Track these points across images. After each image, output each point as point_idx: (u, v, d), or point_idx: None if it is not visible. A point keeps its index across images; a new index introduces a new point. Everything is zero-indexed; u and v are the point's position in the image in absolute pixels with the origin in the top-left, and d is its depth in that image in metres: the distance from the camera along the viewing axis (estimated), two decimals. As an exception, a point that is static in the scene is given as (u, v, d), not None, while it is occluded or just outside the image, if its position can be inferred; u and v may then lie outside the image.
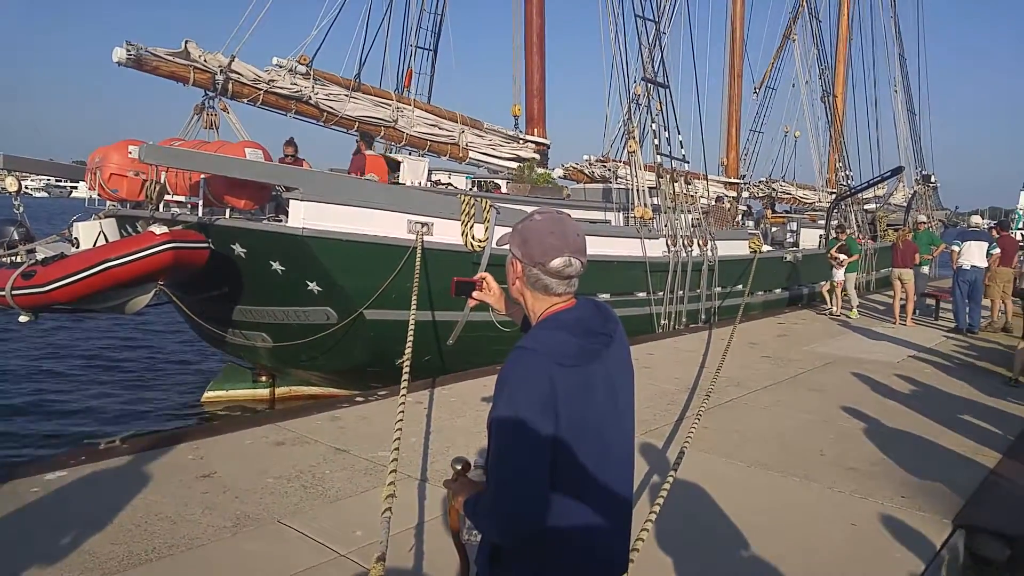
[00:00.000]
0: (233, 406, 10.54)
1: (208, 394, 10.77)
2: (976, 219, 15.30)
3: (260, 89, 10.11)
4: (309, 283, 8.83)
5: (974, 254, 12.58)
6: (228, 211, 8.60)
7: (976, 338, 12.00)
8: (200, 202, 8.62)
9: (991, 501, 5.03)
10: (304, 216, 8.49)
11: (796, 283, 17.36)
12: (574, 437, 1.71)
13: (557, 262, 1.85)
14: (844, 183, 23.36)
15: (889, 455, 5.91)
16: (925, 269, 15.43)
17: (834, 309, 14.80)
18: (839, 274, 14.79)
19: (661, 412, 7.02)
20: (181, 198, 9.08)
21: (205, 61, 9.48)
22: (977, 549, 4.51)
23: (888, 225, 24.65)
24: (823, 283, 15.91)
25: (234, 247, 8.55)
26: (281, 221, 8.66)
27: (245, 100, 10.11)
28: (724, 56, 21.13)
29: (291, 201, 8.51)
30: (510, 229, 1.99)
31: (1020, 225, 60.59)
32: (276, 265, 8.63)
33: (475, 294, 2.44)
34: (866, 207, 24.24)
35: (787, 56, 25.67)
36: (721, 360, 8.49)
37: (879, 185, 24.88)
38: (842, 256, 14.66)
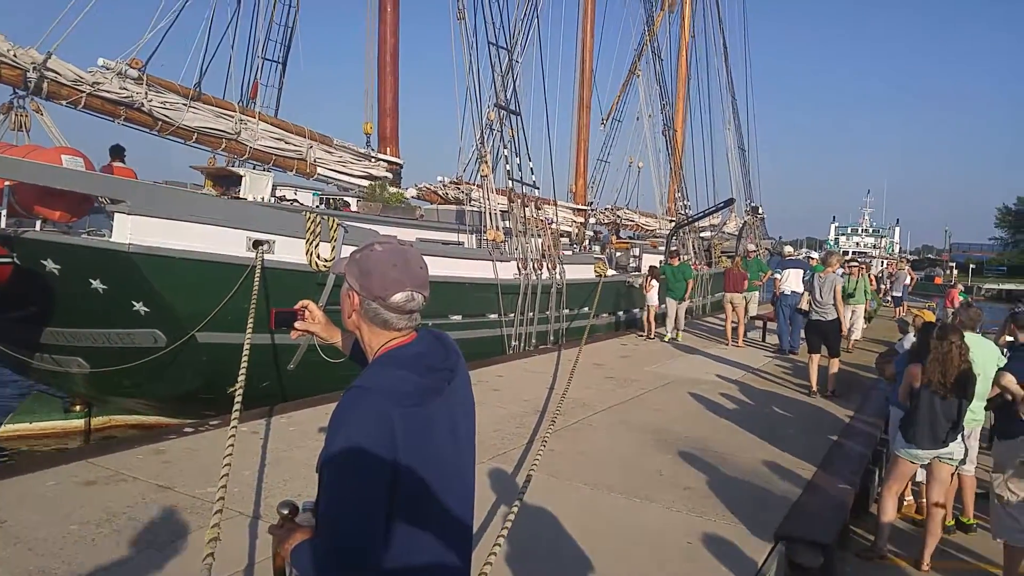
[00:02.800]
0: (38, 441, 9.44)
1: (6, 428, 9.54)
2: (788, 248, 16.83)
3: (82, 91, 9.20)
4: (135, 303, 8.12)
5: (793, 281, 13.73)
6: (39, 223, 7.75)
7: (797, 358, 12.91)
8: (3, 212, 7.71)
9: (807, 512, 5.41)
10: (131, 231, 7.82)
11: (639, 306, 18.14)
12: (413, 478, 1.63)
13: (399, 297, 1.75)
14: (683, 212, 24.85)
15: (721, 473, 6.21)
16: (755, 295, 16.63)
17: (647, 334, 14.86)
18: (651, 297, 15.08)
19: (510, 436, 7.00)
20: None
21: (15, 56, 8.53)
22: (795, 558, 4.80)
23: (723, 252, 26.46)
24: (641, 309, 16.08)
25: (45, 263, 7.69)
26: (103, 236, 7.92)
27: (64, 102, 9.17)
28: (574, 87, 21.88)
29: (116, 215, 7.81)
30: (347, 257, 1.85)
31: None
32: (96, 283, 7.86)
33: (297, 324, 2.23)
34: (702, 235, 25.89)
35: (632, 91, 27.05)
36: (568, 381, 8.63)
37: (713, 215, 26.68)
38: (653, 282, 15.08)
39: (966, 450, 5.55)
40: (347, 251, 9.28)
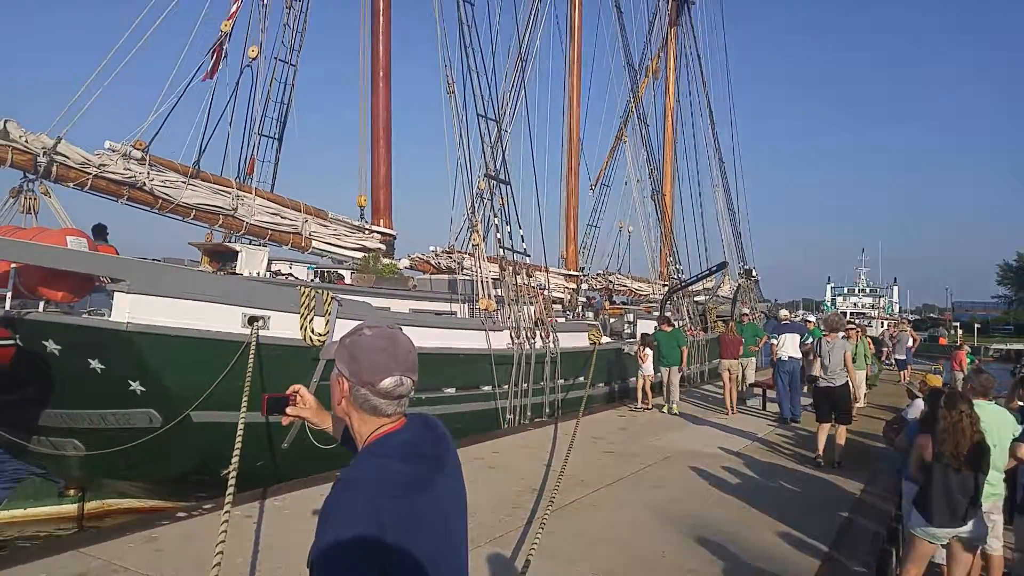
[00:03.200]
0: (32, 528, 9.26)
1: (1, 515, 9.41)
2: (783, 312, 16.78)
3: (89, 173, 9.43)
4: (132, 383, 8.11)
5: (789, 346, 13.66)
6: (42, 304, 7.81)
7: (800, 427, 12.74)
8: (8, 294, 7.77)
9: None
10: (130, 310, 7.88)
11: (635, 374, 18.10)
12: (404, 572, 1.61)
13: (388, 382, 1.76)
14: (675, 276, 25.02)
15: (727, 553, 6.12)
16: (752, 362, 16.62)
17: (642, 405, 14.33)
18: (646, 367, 14.54)
19: (507, 517, 6.93)
20: None
21: (27, 142, 8.76)
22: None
23: (718, 316, 26.52)
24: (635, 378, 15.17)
25: (47, 343, 7.73)
26: (103, 315, 7.97)
27: (71, 184, 9.38)
28: (562, 155, 22.33)
29: (115, 294, 7.88)
30: (337, 342, 1.88)
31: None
32: (95, 363, 7.88)
33: (288, 410, 2.25)
34: (696, 299, 25.98)
35: (620, 156, 27.55)
36: (566, 457, 8.59)
37: (707, 279, 26.86)
38: (647, 351, 14.54)
39: (987, 527, 5.32)
40: (341, 325, 9.44)
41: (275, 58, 14.37)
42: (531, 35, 21.81)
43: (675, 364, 14.29)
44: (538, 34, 22.06)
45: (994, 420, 5.41)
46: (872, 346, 17.06)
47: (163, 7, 10.37)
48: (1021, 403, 6.43)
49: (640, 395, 14.58)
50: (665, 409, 14.05)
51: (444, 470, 1.80)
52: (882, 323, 48.37)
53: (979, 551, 5.49)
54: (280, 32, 14.49)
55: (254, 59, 13.01)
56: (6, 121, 8.62)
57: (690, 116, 32.57)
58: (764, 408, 14.97)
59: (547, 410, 13.90)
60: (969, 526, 5.02)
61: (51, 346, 7.71)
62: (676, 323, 18.68)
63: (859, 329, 16.20)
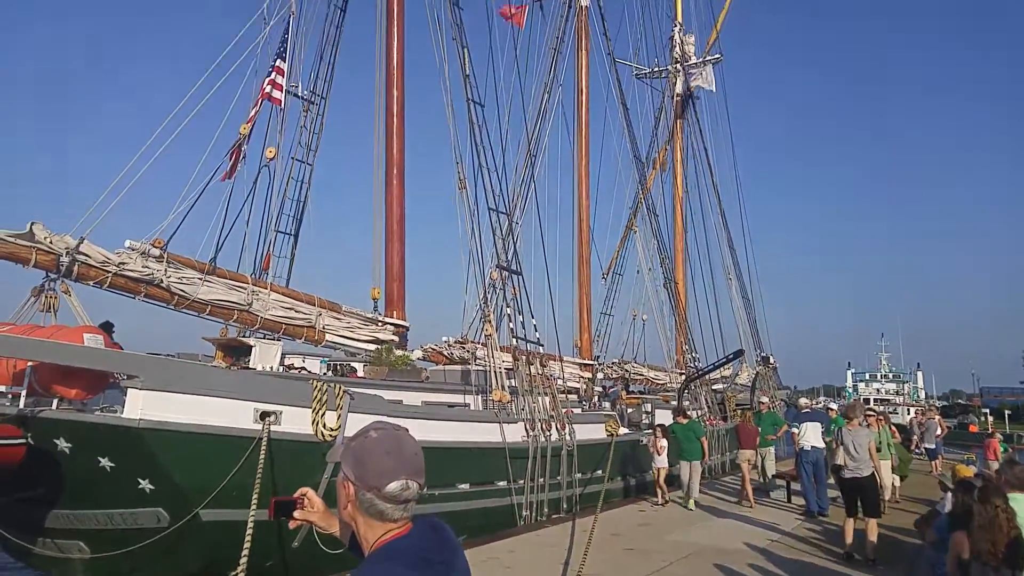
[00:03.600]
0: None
1: None
2: (804, 400, 16.44)
3: (108, 272, 9.66)
4: (141, 481, 8.02)
5: (811, 435, 13.30)
6: (56, 401, 7.84)
7: (828, 520, 12.14)
8: (24, 392, 7.82)
9: None
10: (142, 406, 7.88)
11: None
12: None
13: (394, 486, 1.74)
14: (692, 364, 24.77)
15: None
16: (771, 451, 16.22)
17: (660, 500, 13.78)
18: (660, 459, 13.98)
19: (523, 619, 6.65)
20: (2, 388, 8.20)
21: (51, 243, 9.01)
22: None
23: (737, 405, 26.09)
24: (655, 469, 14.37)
25: (58, 442, 7.70)
26: (115, 411, 7.97)
27: (91, 283, 9.61)
28: (573, 244, 22.60)
29: (129, 390, 7.90)
30: (343, 444, 1.86)
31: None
32: (104, 461, 7.82)
33: (296, 513, 2.21)
34: (714, 388, 25.63)
35: (630, 245, 27.82)
36: (584, 556, 8.30)
37: (724, 367, 26.58)
38: (662, 442, 14.06)
39: None
40: (353, 419, 9.35)
41: (292, 157, 14.90)
42: (540, 131, 22.51)
43: (695, 458, 13.84)
44: (547, 130, 22.76)
45: None
46: (897, 434, 16.45)
47: (186, 111, 10.87)
48: None
49: (658, 490, 14.06)
50: (685, 504, 13.56)
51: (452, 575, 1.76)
52: (908, 410, 47.17)
53: None
54: (297, 133, 15.08)
55: (271, 159, 13.45)
56: (32, 224, 8.91)
57: (699, 206, 33.08)
58: (789, 500, 14.45)
59: (564, 505, 13.51)
60: None
61: (62, 444, 7.68)
62: (694, 413, 18.39)
63: (881, 416, 15.66)
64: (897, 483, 14.35)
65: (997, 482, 5.70)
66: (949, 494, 8.15)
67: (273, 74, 13.11)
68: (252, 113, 12.38)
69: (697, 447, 13.89)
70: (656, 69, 32.26)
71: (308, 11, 14.55)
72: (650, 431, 17.90)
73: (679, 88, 32.80)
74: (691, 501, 13.46)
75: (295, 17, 13.74)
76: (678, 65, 32.38)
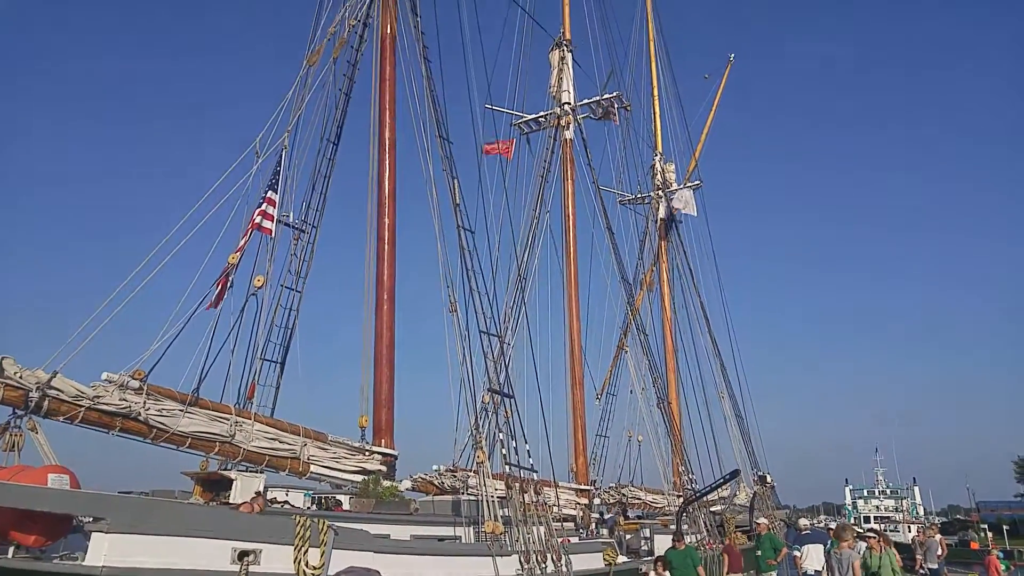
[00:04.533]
0: None
1: None
2: (804, 521, 15.92)
3: (81, 406, 9.32)
4: (101, 635, 7.44)
5: (814, 559, 12.82)
6: (12, 549, 7.36)
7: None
8: (-25, 540, 7.35)
9: None
10: (107, 552, 7.43)
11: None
12: None
13: None
14: (688, 486, 24.12)
15: None
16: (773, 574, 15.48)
17: None
18: None
19: None
20: None
21: (21, 378, 8.74)
22: None
23: (737, 526, 25.24)
24: None
25: (12, 595, 7.19)
26: (76, 559, 7.49)
27: (61, 418, 9.25)
28: (565, 365, 22.44)
29: (93, 534, 7.46)
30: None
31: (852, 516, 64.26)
32: (62, 615, 7.28)
33: None
34: (713, 510, 24.89)
35: (623, 366, 27.69)
36: None
37: (722, 487, 25.90)
38: (666, 573, 13.10)
39: None
40: (337, 556, 8.85)
41: (281, 285, 14.92)
42: (529, 255, 22.90)
43: None
44: (536, 254, 23.16)
45: None
46: (899, 557, 15.65)
47: (174, 241, 10.93)
48: None
49: None
50: None
51: None
52: (909, 527, 45.76)
53: None
54: (287, 261, 15.18)
55: (260, 288, 13.43)
56: (3, 358, 8.66)
57: (688, 325, 33.36)
58: None
59: (563, 645, 12.69)
60: None
61: (15, 598, 7.16)
62: (692, 537, 17.64)
63: (881, 538, 14.69)
64: None
65: None
66: None
67: (264, 205, 13.31)
68: (242, 243, 12.46)
69: None
70: (639, 195, 33.41)
71: (301, 144, 14.99)
72: (649, 558, 17.13)
73: (662, 213, 33.88)
74: None
75: (287, 151, 14.12)
76: (660, 192, 33.55)
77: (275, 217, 13.75)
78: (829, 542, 13.45)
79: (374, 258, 15.52)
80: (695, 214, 33.51)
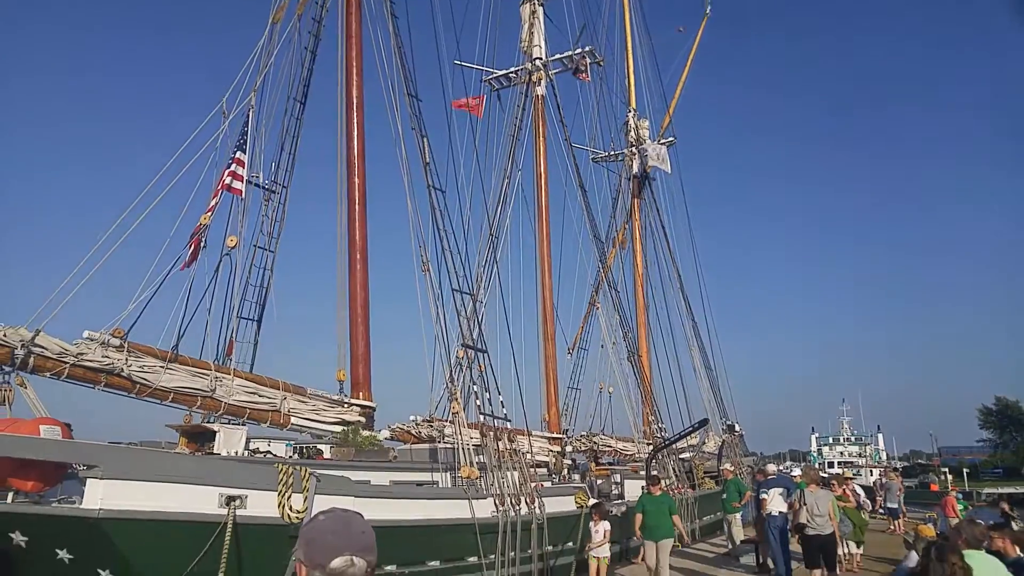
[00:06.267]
0: None
1: None
2: (771, 467, 16.64)
3: (66, 363, 9.65)
4: (101, 572, 7.91)
5: (778, 501, 13.40)
6: (11, 495, 7.75)
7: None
8: (-25, 487, 7.72)
9: None
10: (102, 496, 7.83)
11: (625, 537, 17.58)
12: None
13: (337, 562, 1.81)
14: (658, 435, 24.94)
15: None
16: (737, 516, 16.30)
17: None
18: (600, 547, 12.16)
19: None
20: None
21: (5, 336, 9.04)
22: None
23: (705, 472, 26.18)
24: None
25: (13, 536, 7.59)
26: (74, 502, 7.90)
27: (48, 374, 9.58)
28: (537, 322, 22.94)
29: (88, 480, 7.86)
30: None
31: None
32: (63, 554, 7.71)
33: None
34: (682, 456, 25.73)
35: (594, 321, 28.18)
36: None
37: (690, 436, 26.75)
38: (601, 525, 12.19)
39: None
40: (319, 501, 9.32)
41: (254, 245, 15.16)
42: (501, 214, 23.13)
43: (664, 537, 11.87)
44: (508, 213, 23.38)
45: (987, 572, 5.41)
46: (852, 499, 16.54)
47: (145, 203, 11.12)
48: (1018, 553, 6.46)
49: None
50: None
51: None
52: (871, 471, 47.64)
53: None
54: (259, 222, 15.38)
55: (233, 248, 13.67)
56: (-16, 316, 8.93)
57: (659, 281, 33.83)
58: (761, 563, 14.30)
59: (536, 579, 13.38)
60: None
61: (17, 538, 7.57)
62: (663, 481, 18.22)
63: (834, 482, 15.02)
64: (855, 550, 13.98)
65: (955, 540, 5.91)
66: (912, 552, 8.44)
67: (233, 165, 13.46)
68: (212, 203, 12.66)
69: (667, 524, 12.02)
70: (612, 153, 33.53)
71: (268, 104, 15.08)
72: (620, 502, 17.88)
73: (635, 170, 34.00)
74: None
75: (254, 111, 14.22)
76: (633, 149, 33.68)
77: (245, 178, 13.90)
78: (792, 487, 14.17)
79: (346, 218, 15.76)
80: (668, 171, 33.75)
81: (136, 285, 11.06)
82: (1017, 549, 6.45)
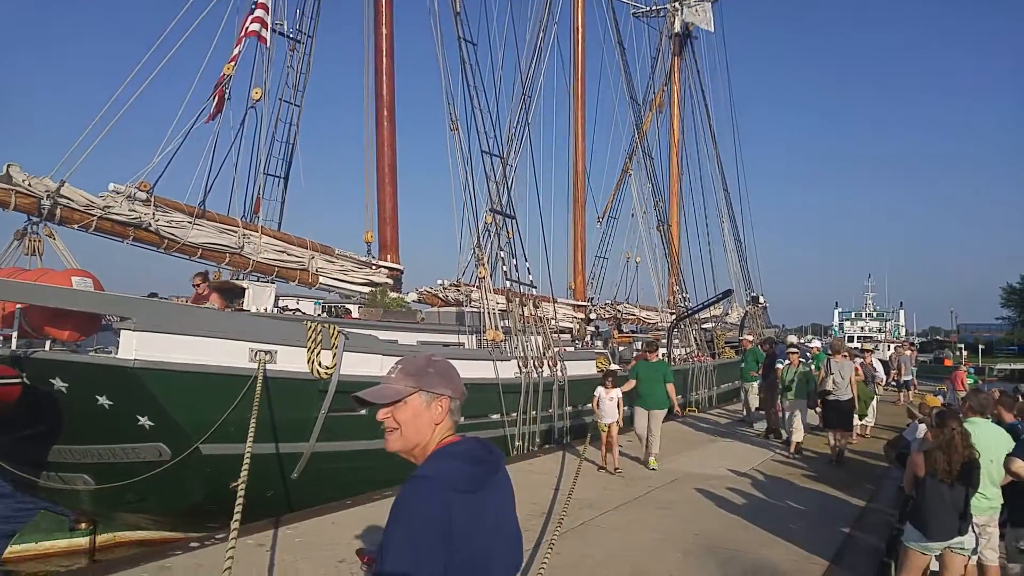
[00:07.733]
0: (44, 562, 9.28)
1: (13, 548, 9.41)
2: (792, 338, 16.76)
3: (93, 215, 9.60)
4: (140, 418, 8.19)
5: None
6: (49, 343, 7.94)
7: (808, 449, 12.53)
8: (15, 333, 7.90)
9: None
10: (136, 347, 7.99)
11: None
12: (466, 562, 1.78)
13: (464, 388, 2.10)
14: (682, 305, 25.05)
15: (733, 571, 6.09)
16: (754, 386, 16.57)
17: (608, 466, 10.52)
18: (609, 411, 10.61)
19: (514, 540, 6.89)
20: None
21: (30, 185, 8.94)
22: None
23: (726, 343, 26.49)
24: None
25: (53, 381, 7.83)
26: (110, 352, 8.09)
27: (75, 226, 9.55)
28: (568, 188, 22.50)
29: (122, 331, 8.00)
30: (410, 377, 2.04)
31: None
32: (103, 400, 7.97)
33: None
34: (704, 326, 25.97)
35: (626, 190, 27.70)
36: (573, 481, 8.56)
37: (714, 306, 26.86)
38: (614, 392, 10.70)
39: (977, 538, 5.43)
40: (348, 358, 9.49)
41: (280, 99, 14.73)
42: (534, 72, 22.09)
43: (657, 407, 10.95)
44: (541, 71, 22.29)
45: (989, 437, 5.58)
46: (860, 372, 16.66)
47: (166, 48, 10.66)
48: (1015, 419, 6.59)
49: (604, 450, 10.71)
50: (645, 464, 10.93)
51: (497, 474, 2.02)
52: (889, 346, 48.03)
53: (976, 562, 5.60)
54: (284, 74, 14.86)
55: (258, 101, 13.27)
56: (8, 165, 8.81)
57: (695, 148, 32.85)
58: (767, 437, 14.37)
59: (555, 436, 13.86)
60: (959, 537, 5.17)
61: (58, 384, 7.81)
62: (682, 349, 18.39)
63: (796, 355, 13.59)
64: (857, 421, 13.29)
65: (962, 408, 6.09)
66: (916, 421, 8.57)
67: (257, 10, 12.77)
68: (236, 52, 12.10)
69: (660, 393, 10.96)
70: (654, 8, 31.64)
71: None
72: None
73: (677, 27, 32.14)
74: (652, 459, 10.86)
75: (277, -47, 13.37)
76: (676, 3, 31.70)
77: (269, 25, 13.26)
78: (810, 355, 14.31)
79: (372, 73, 15.15)
80: (711, 29, 31.96)
81: (158, 139, 10.80)
82: (1014, 415, 6.64)
